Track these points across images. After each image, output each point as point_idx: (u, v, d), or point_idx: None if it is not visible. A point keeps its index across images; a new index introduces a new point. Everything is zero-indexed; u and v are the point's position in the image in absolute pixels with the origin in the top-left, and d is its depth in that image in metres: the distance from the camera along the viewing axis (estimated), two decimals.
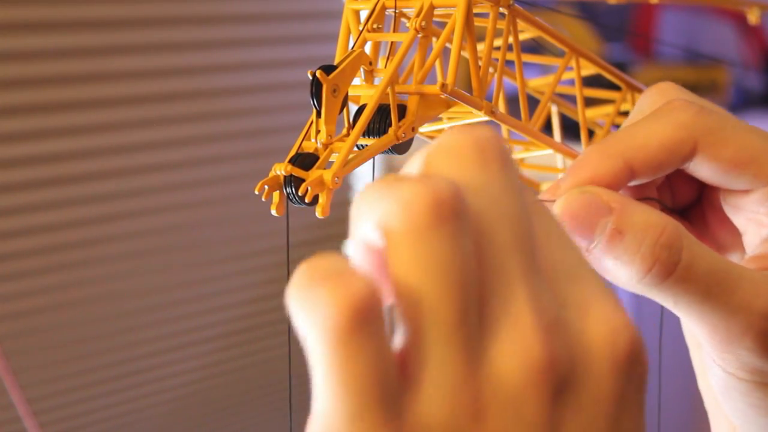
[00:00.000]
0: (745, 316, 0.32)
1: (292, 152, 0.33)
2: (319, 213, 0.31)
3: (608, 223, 0.33)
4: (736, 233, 0.37)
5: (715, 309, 0.32)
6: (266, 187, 0.32)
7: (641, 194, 0.37)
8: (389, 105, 0.34)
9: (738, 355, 0.33)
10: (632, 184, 0.35)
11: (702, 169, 0.35)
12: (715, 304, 0.32)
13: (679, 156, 0.34)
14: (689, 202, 0.39)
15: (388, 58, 0.36)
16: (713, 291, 0.32)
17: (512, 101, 0.40)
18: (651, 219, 0.32)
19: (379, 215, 0.22)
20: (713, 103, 0.36)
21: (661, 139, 0.34)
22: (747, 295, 0.32)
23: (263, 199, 0.32)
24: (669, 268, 0.32)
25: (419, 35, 0.35)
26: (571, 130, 0.45)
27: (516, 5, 0.37)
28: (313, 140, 0.33)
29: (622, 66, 0.91)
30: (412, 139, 0.35)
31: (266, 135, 1.17)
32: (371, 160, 0.34)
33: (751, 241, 0.36)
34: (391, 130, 0.34)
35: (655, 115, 0.35)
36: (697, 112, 0.34)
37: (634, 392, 0.24)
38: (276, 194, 0.32)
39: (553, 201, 0.34)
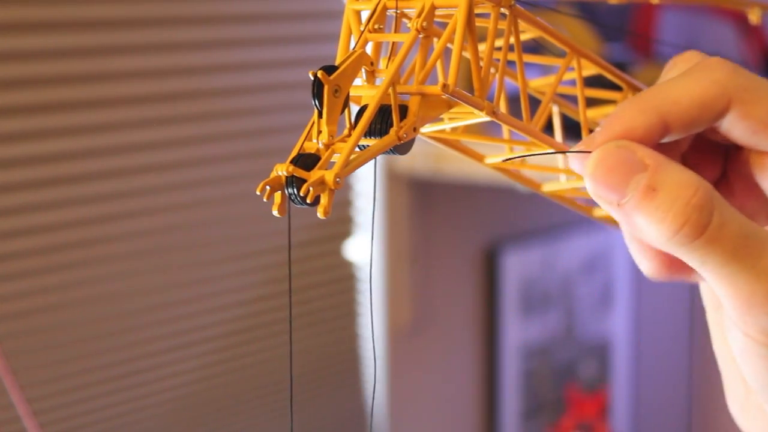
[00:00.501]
0: None
1: (294, 153, 0.33)
2: (320, 213, 0.31)
3: (642, 179, 0.33)
4: (764, 200, 0.37)
5: (740, 272, 0.32)
6: (268, 187, 0.32)
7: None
8: (390, 105, 0.34)
9: (759, 319, 0.33)
10: (665, 140, 0.35)
11: (734, 128, 0.35)
12: (742, 267, 0.32)
13: (713, 112, 0.34)
14: (714, 177, 0.39)
15: (389, 59, 0.36)
16: (740, 254, 0.32)
17: (513, 101, 0.40)
18: (684, 178, 0.33)
19: None
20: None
21: (695, 94, 0.34)
22: None
23: (265, 200, 0.32)
24: (699, 229, 0.32)
25: (420, 36, 0.35)
26: (572, 130, 0.45)
27: (517, 6, 0.37)
28: (314, 141, 0.33)
29: (622, 66, 0.91)
30: (413, 140, 0.35)
31: (267, 135, 1.17)
32: (373, 160, 0.34)
33: None
34: (392, 131, 0.34)
35: (689, 71, 0.35)
36: (732, 70, 0.35)
37: None
38: (277, 195, 0.32)
39: (589, 152, 0.34)
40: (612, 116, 0.35)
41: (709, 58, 0.36)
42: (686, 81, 0.35)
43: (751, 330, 0.34)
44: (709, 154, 0.38)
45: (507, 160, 0.38)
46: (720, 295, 0.34)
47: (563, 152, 0.36)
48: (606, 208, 0.34)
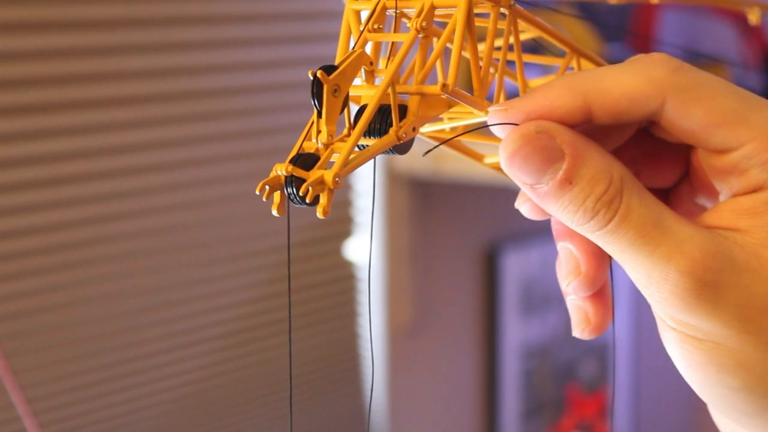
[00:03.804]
0: (663, 269, 0.33)
1: (293, 152, 0.33)
2: (319, 213, 0.31)
3: (558, 170, 0.33)
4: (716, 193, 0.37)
5: (636, 258, 0.33)
6: (267, 187, 0.32)
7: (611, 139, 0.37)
8: (390, 105, 0.34)
9: (661, 305, 0.34)
10: (594, 123, 0.35)
11: (672, 128, 0.35)
12: (637, 254, 0.33)
13: (642, 108, 0.34)
14: (679, 174, 0.39)
15: (388, 59, 0.36)
16: (638, 242, 0.33)
17: None
18: (599, 170, 0.33)
19: None
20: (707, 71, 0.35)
21: (627, 88, 0.34)
22: (670, 249, 0.33)
23: (264, 200, 0.32)
24: (605, 222, 0.33)
25: (420, 35, 0.35)
26: None
27: (517, 5, 0.37)
28: (313, 140, 0.33)
29: None
30: (412, 140, 0.35)
31: (266, 135, 1.17)
32: (372, 160, 0.34)
33: (723, 198, 0.36)
34: (391, 131, 0.34)
35: (630, 63, 0.35)
36: (674, 69, 0.34)
37: None
38: (277, 194, 0.32)
39: (507, 124, 0.34)
40: (539, 88, 0.35)
41: (655, 54, 0.35)
42: (622, 72, 0.34)
43: (661, 313, 0.34)
44: (673, 152, 0.38)
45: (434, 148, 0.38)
46: (631, 278, 0.35)
47: (486, 126, 0.36)
48: (518, 184, 0.35)
